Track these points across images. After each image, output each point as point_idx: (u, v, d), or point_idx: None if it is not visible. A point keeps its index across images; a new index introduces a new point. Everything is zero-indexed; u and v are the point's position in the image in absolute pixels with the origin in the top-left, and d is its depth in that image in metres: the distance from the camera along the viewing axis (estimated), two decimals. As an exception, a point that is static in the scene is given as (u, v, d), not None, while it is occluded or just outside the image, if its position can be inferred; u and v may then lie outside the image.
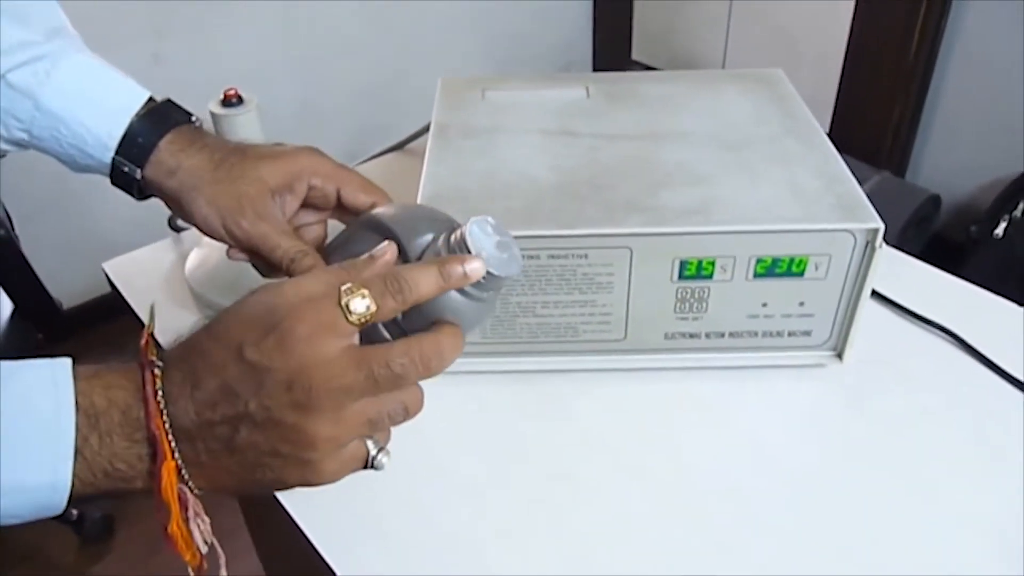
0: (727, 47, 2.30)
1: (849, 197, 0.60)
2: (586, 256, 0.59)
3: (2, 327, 1.27)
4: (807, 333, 0.64)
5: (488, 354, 0.65)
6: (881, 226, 0.57)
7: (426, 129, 1.04)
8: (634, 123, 0.71)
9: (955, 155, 1.94)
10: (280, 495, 0.57)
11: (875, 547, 0.54)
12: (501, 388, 0.66)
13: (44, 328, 1.33)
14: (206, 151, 0.55)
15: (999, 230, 1.66)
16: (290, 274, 0.51)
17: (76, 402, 0.38)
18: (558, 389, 0.66)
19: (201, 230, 0.55)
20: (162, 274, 0.80)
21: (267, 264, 0.54)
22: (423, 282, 0.41)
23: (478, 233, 0.43)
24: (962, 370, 0.67)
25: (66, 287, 1.91)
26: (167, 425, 0.38)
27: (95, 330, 1.88)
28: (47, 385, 0.38)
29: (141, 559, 1.53)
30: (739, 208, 0.60)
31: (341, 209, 0.58)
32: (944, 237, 1.92)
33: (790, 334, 0.64)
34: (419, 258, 0.45)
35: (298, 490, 0.57)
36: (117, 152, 0.56)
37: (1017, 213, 1.65)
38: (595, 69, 2.66)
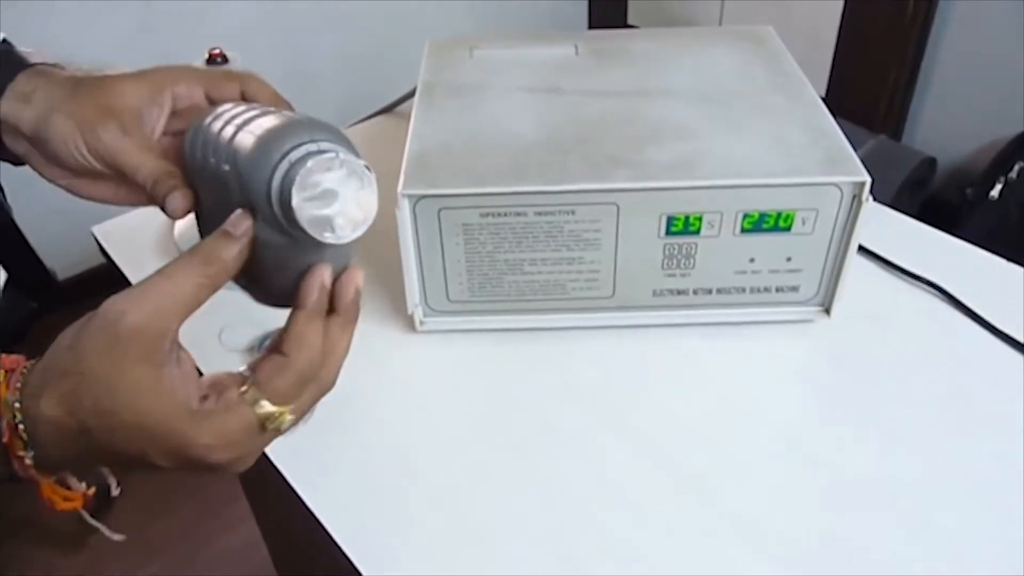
0: (723, 11, 2.27)
1: (835, 151, 0.60)
2: (573, 212, 0.59)
3: (-4, 296, 1.27)
4: (795, 288, 0.64)
5: (475, 312, 0.65)
6: (867, 179, 0.57)
7: (414, 92, 1.03)
8: (621, 80, 0.70)
9: (951, 118, 1.93)
10: (277, 463, 0.58)
11: (860, 499, 0.55)
12: (488, 347, 0.66)
13: (38, 298, 1.33)
14: (63, 77, 0.51)
15: (994, 192, 1.65)
16: (153, 197, 0.47)
17: None
18: (546, 347, 0.66)
19: (61, 161, 0.50)
20: (152, 237, 0.80)
21: (130, 191, 0.50)
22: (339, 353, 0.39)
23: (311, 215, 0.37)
24: (949, 325, 0.67)
25: (60, 257, 1.91)
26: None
27: (89, 300, 1.89)
28: None
29: (140, 527, 1.55)
30: (726, 163, 0.59)
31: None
32: (939, 199, 1.91)
33: (778, 290, 0.64)
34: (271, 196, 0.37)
35: (291, 456, 0.58)
36: None
37: (1012, 175, 1.64)
38: (590, 35, 2.62)
